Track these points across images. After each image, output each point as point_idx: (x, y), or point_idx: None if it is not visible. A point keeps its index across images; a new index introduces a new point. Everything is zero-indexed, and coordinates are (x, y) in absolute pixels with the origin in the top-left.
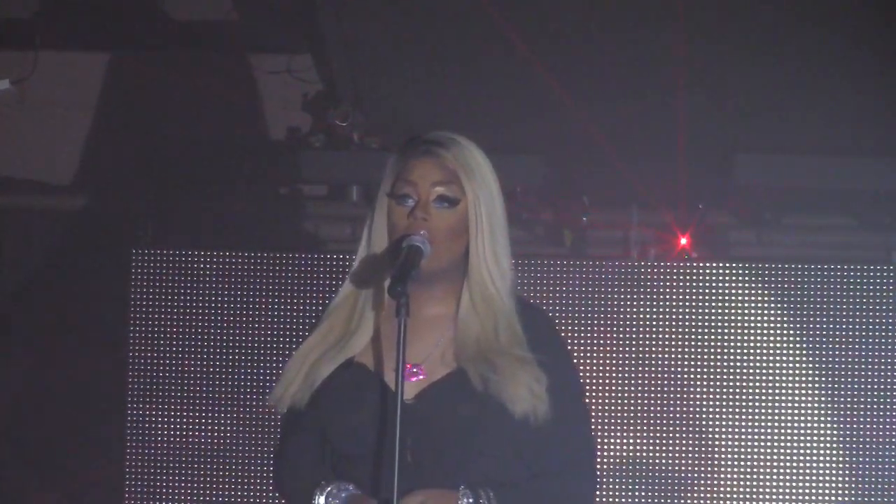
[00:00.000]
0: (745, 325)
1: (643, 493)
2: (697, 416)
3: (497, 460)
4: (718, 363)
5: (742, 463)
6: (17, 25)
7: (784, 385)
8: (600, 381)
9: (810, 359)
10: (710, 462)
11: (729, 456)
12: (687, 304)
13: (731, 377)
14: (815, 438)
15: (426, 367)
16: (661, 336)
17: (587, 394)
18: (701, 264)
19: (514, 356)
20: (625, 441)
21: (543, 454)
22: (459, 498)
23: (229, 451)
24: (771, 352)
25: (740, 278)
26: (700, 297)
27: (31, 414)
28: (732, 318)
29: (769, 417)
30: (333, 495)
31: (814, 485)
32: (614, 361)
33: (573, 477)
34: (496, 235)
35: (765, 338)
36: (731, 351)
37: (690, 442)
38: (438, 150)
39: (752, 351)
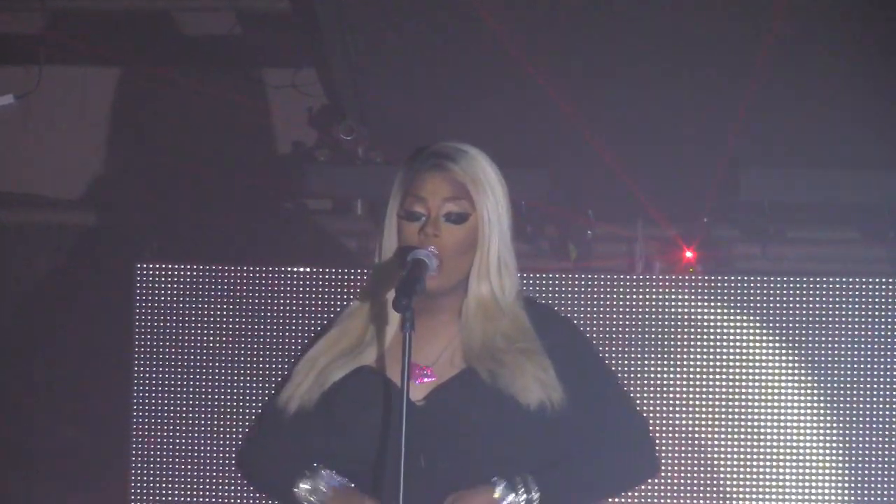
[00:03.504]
0: (750, 338)
1: None
2: (700, 428)
3: (512, 456)
4: (722, 376)
5: (744, 477)
6: (21, 40)
7: (788, 399)
8: None
9: (815, 372)
10: (711, 475)
11: (730, 468)
12: (692, 317)
13: (735, 390)
14: (818, 452)
15: (436, 370)
16: (666, 349)
17: None
18: (706, 278)
19: (519, 349)
20: None
21: (579, 439)
22: (494, 488)
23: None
24: (776, 365)
25: (745, 292)
26: (705, 311)
27: (35, 429)
28: (737, 331)
29: (772, 430)
30: (324, 478)
31: (816, 499)
32: (619, 375)
33: (619, 451)
34: (502, 246)
35: (769, 351)
36: (736, 364)
37: (692, 455)
38: (447, 163)
39: (756, 364)
